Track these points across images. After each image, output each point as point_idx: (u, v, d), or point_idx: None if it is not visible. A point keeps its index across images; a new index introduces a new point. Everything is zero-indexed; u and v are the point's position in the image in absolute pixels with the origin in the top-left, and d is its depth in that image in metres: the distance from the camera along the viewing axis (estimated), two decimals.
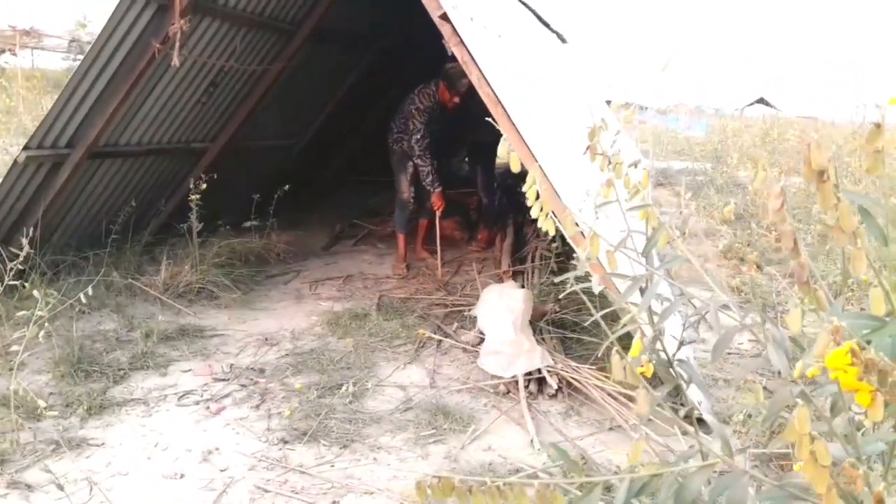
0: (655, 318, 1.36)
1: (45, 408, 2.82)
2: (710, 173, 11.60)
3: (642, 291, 1.29)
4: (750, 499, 1.10)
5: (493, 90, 3.46)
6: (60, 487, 2.68)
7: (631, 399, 3.41)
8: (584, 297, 1.17)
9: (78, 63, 4.45)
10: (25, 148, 4.49)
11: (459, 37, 3.49)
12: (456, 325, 4.64)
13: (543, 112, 4.47)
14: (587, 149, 1.11)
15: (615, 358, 1.05)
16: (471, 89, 5.41)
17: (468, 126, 6.21)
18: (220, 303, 4.99)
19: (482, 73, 3.48)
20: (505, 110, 3.46)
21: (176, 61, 4.27)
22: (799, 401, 0.86)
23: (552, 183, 3.26)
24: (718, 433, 1.07)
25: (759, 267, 1.08)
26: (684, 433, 2.75)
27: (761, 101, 33.98)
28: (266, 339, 4.38)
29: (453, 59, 3.78)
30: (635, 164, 1.50)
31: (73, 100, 4.51)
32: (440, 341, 4.35)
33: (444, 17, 3.46)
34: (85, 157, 4.73)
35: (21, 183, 4.64)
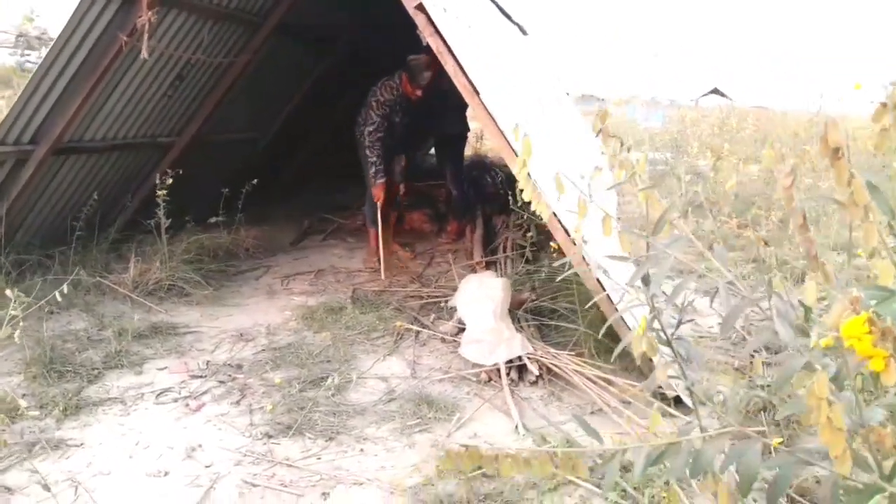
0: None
1: (26, 408, 2.75)
2: (671, 163, 11.80)
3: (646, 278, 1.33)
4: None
5: (469, 80, 3.47)
6: (47, 488, 2.62)
7: (610, 383, 3.48)
8: (606, 279, 1.19)
9: (26, 58, 4.35)
10: None
11: (434, 27, 3.48)
12: (433, 316, 4.66)
13: (517, 102, 4.51)
14: (598, 132, 1.14)
15: (635, 332, 1.09)
16: (432, 82, 5.44)
17: (434, 118, 6.23)
18: (191, 299, 4.92)
19: (458, 63, 3.48)
20: (481, 101, 3.47)
21: (145, 53, 4.19)
22: (818, 367, 0.90)
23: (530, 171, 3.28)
24: (729, 406, 1.12)
25: (765, 243, 1.13)
26: (664, 414, 2.82)
27: (715, 91, 34.74)
28: (241, 335, 4.34)
29: (425, 50, 3.78)
30: (628, 149, 1.55)
31: (37, 95, 4.39)
32: (418, 332, 4.37)
33: (420, 7, 3.46)
34: (49, 153, 4.62)
35: None
